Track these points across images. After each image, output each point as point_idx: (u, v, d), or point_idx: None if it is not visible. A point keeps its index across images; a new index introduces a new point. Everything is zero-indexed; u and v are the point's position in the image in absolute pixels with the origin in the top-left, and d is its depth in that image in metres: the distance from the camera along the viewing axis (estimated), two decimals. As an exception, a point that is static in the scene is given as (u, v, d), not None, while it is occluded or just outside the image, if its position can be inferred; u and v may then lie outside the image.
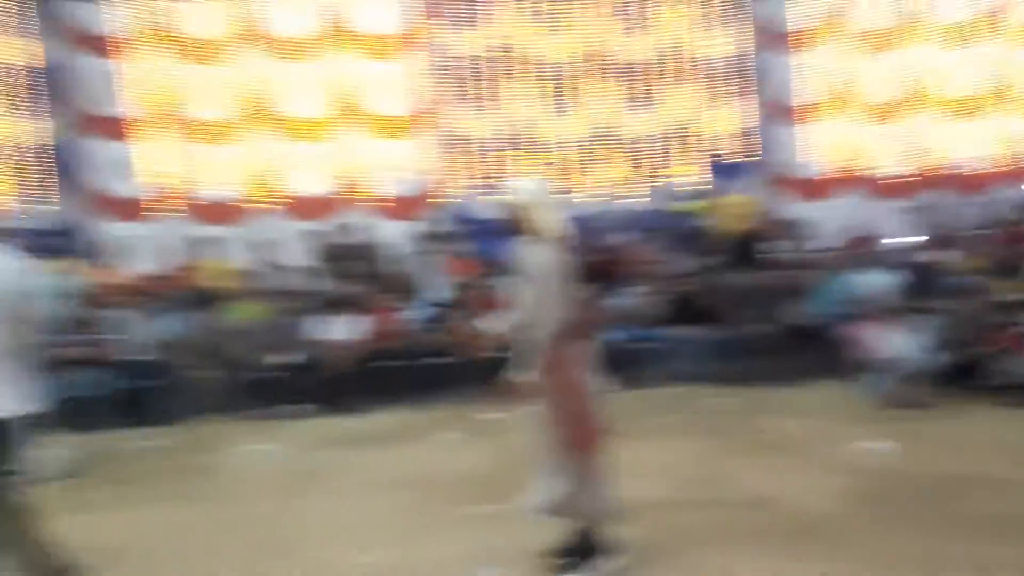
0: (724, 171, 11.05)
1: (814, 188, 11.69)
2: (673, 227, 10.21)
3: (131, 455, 6.48)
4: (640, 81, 11.79)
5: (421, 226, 10.34)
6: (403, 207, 11.05)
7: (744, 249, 8.83)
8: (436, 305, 8.33)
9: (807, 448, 5.62)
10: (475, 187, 11.54)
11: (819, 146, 11.94)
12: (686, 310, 8.16)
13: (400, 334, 8.17)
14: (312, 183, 11.26)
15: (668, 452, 5.63)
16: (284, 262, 9.80)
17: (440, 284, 9.03)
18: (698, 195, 10.50)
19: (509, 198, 3.44)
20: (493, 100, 11.62)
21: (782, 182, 11.74)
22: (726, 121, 11.83)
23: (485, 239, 10.15)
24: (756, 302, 8.00)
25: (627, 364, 8.01)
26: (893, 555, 3.67)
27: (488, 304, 8.06)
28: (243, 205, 11.10)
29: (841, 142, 11.91)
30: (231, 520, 4.60)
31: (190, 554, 4.08)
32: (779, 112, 11.89)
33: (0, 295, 2.93)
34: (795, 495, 4.59)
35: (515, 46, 11.59)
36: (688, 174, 11.73)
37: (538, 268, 3.31)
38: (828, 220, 10.80)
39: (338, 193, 11.24)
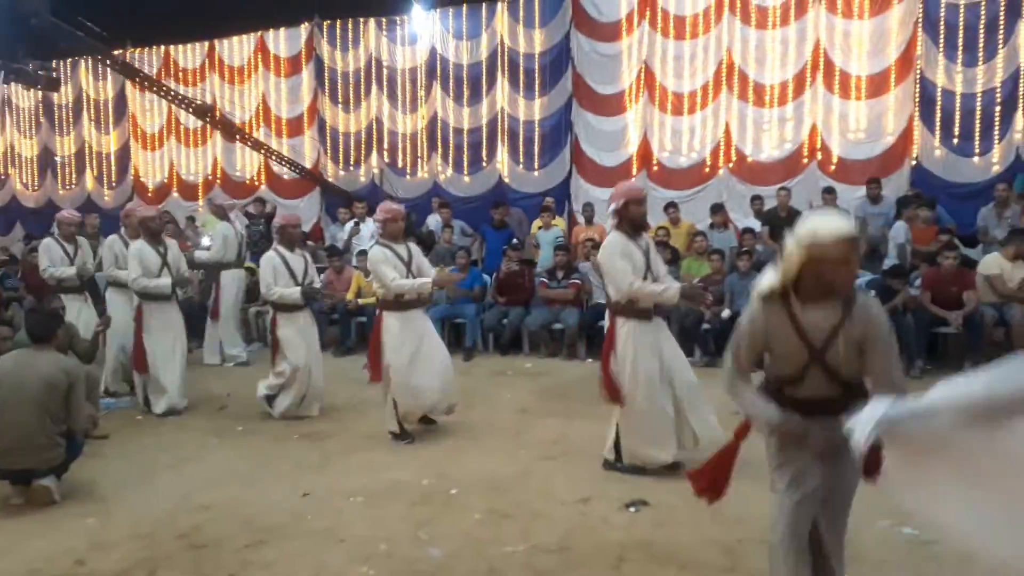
0: None
1: None
2: None
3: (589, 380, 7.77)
4: None
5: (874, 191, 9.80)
6: (862, 170, 10.59)
7: None
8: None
9: None
10: (951, 147, 10.54)
11: None
12: None
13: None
14: (771, 147, 11.48)
15: None
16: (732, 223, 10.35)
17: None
18: None
19: None
20: (989, 49, 10.36)
21: None
22: None
23: (955, 205, 9.37)
24: None
25: None
26: None
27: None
28: (705, 169, 11.84)
29: None
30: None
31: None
32: None
33: None
34: None
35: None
36: None
37: None
38: None
39: (794, 157, 11.29)
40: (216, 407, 6.97)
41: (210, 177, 15.02)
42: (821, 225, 2.57)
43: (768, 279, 2.70)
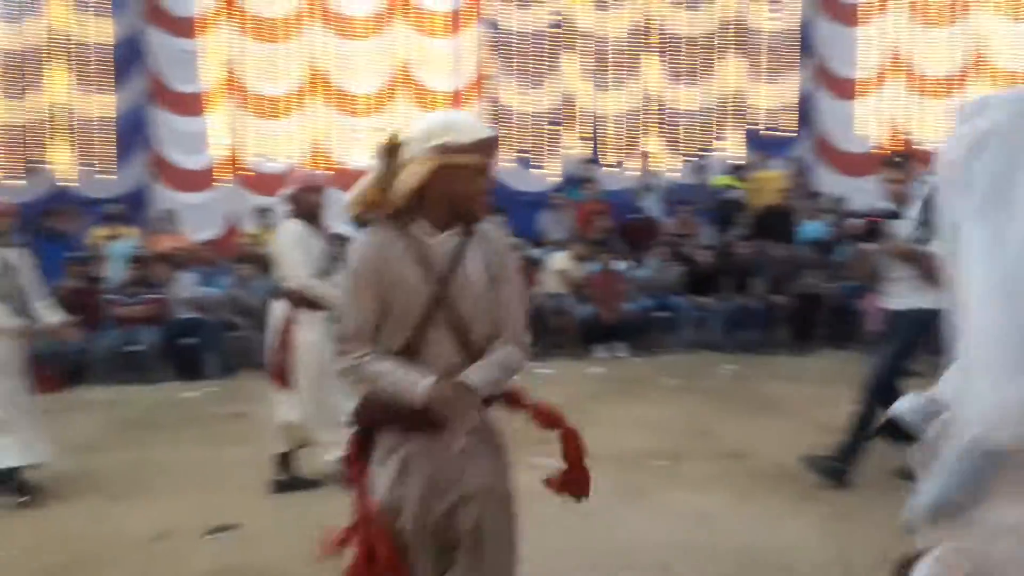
0: (763, 145, 11.02)
1: (859, 163, 11.43)
2: (707, 200, 10.30)
3: (172, 404, 7.09)
4: (689, 54, 11.81)
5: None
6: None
7: (773, 222, 8.92)
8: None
9: (795, 410, 5.81)
10: (518, 160, 11.82)
11: (868, 120, 11.75)
12: (702, 280, 8.38)
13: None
14: (361, 155, 11.71)
15: (667, 410, 5.96)
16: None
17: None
18: (736, 169, 10.52)
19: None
20: (544, 74, 11.85)
21: (825, 157, 11.67)
22: (773, 95, 11.72)
23: (521, 212, 10.45)
24: (772, 273, 8.12)
25: (643, 331, 8.39)
26: (855, 504, 3.96)
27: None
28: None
29: (890, 117, 11.70)
30: (239, 459, 5.07)
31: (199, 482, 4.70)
32: (830, 85, 11.77)
33: None
34: (774, 450, 4.84)
35: (568, 20, 11.75)
36: (730, 148, 11.71)
37: None
38: (861, 193, 10.66)
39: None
40: None
41: None
42: (456, 123, 1.96)
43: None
